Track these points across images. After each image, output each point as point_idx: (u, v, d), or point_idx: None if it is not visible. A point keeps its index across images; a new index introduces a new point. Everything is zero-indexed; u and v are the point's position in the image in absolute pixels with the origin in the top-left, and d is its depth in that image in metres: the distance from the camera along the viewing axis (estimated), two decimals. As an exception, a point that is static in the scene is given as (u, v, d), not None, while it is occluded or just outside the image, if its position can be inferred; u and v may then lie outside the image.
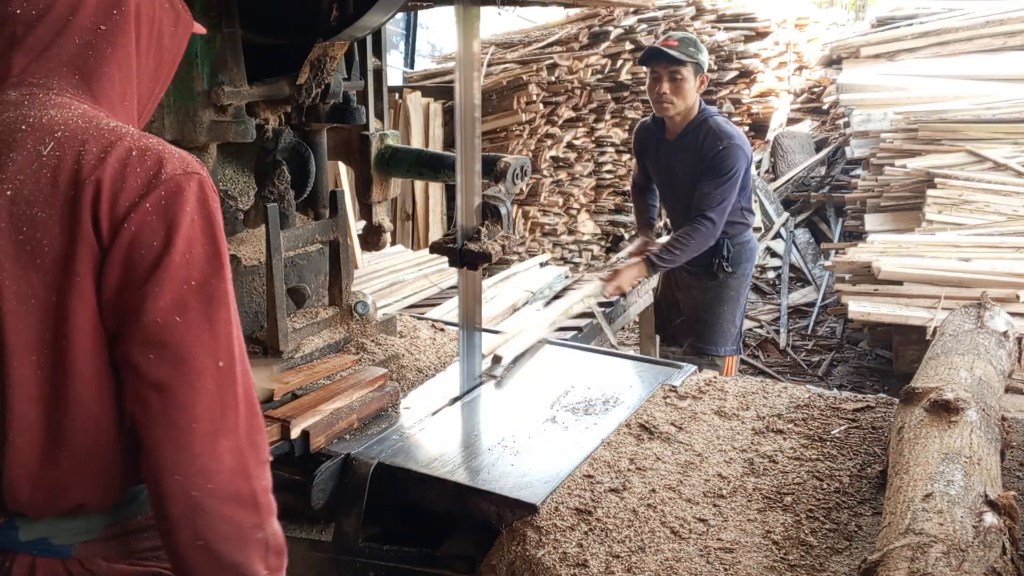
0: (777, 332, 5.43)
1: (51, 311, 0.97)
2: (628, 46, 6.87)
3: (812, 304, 5.77)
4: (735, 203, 3.20)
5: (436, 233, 6.15)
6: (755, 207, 3.55)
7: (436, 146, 6.06)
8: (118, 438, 1.01)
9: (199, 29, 1.24)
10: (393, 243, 5.02)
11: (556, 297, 3.12)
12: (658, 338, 3.63)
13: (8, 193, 0.97)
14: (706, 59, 3.23)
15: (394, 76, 7.16)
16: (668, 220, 3.57)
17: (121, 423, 1.01)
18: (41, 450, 0.99)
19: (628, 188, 7.63)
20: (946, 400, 1.57)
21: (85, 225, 0.96)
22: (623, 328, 4.79)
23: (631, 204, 7.80)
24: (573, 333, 3.55)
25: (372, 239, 2.22)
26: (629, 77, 7.02)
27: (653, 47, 3.16)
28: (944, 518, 1.25)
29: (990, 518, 1.26)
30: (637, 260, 3.24)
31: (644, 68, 3.41)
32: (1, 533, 1.03)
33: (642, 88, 7.26)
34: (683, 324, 3.47)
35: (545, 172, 6.38)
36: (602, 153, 7.10)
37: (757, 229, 6.70)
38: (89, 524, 1.04)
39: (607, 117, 7.02)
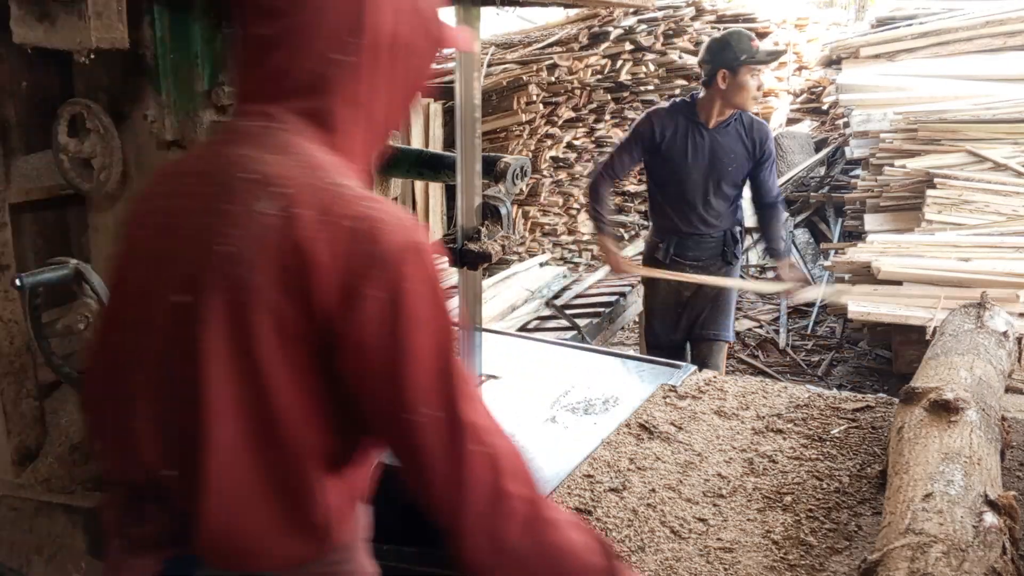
0: (777, 332, 5.43)
1: (255, 378, 0.91)
2: (628, 46, 6.87)
3: (812, 304, 5.77)
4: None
5: (436, 233, 6.15)
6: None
7: (436, 146, 6.07)
8: (321, 505, 0.98)
9: (461, 45, 1.15)
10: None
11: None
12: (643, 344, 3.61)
13: (227, 248, 0.90)
14: None
15: (394, 76, 7.14)
16: (660, 211, 3.38)
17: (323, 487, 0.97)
18: (243, 510, 0.95)
19: (628, 188, 7.64)
20: (946, 400, 1.57)
21: (301, 301, 0.89)
22: (623, 328, 4.79)
23: (631, 205, 7.82)
24: (573, 333, 3.56)
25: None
26: (629, 77, 7.03)
27: (775, 50, 3.42)
28: (944, 518, 1.25)
29: (990, 518, 1.26)
30: (784, 262, 3.41)
31: (701, 67, 3.30)
32: (177, 566, 1.00)
33: (643, 88, 7.27)
34: (695, 321, 3.40)
35: (545, 172, 6.38)
36: (602, 153, 7.10)
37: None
38: None
39: (607, 117, 7.02)
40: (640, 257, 3.56)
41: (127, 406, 0.98)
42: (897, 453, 1.53)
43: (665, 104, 3.49)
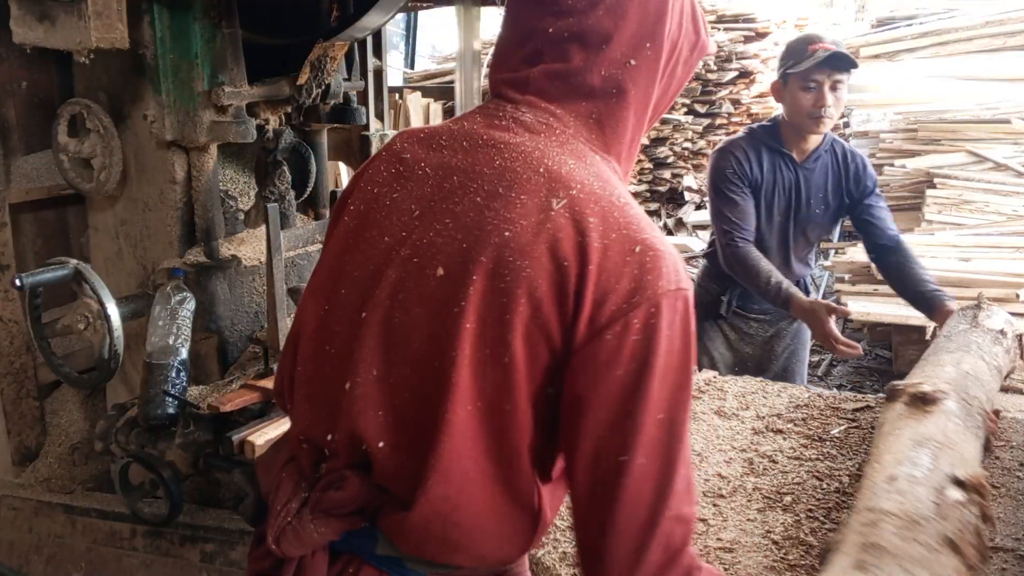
0: (777, 332, 5.43)
1: (503, 368, 0.89)
2: (628, 46, 6.87)
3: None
4: None
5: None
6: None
7: (436, 146, 6.06)
8: (536, 509, 0.96)
9: (711, 51, 1.13)
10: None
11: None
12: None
13: (506, 234, 0.89)
14: None
15: (394, 76, 7.17)
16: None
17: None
18: (465, 499, 0.93)
19: (628, 188, 7.64)
20: (924, 392, 1.56)
21: (565, 303, 0.87)
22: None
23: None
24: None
25: (372, 239, 2.22)
26: (629, 77, 7.03)
27: (834, 53, 2.51)
28: (905, 497, 1.23)
29: (954, 494, 1.24)
30: (943, 310, 2.39)
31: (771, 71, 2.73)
32: (356, 538, 0.98)
33: (642, 88, 7.28)
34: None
35: (545, 172, 6.38)
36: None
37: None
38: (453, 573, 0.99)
39: (607, 117, 7.02)
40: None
41: (349, 366, 0.95)
42: (874, 446, 1.53)
43: (737, 134, 2.82)
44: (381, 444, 0.93)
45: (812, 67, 2.48)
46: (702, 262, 3.01)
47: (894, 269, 2.62)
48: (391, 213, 0.98)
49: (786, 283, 2.50)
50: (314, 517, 0.97)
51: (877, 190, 2.68)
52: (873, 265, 2.78)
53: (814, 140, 2.62)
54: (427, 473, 0.90)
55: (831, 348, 2.36)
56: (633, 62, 0.96)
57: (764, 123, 2.76)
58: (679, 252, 0.94)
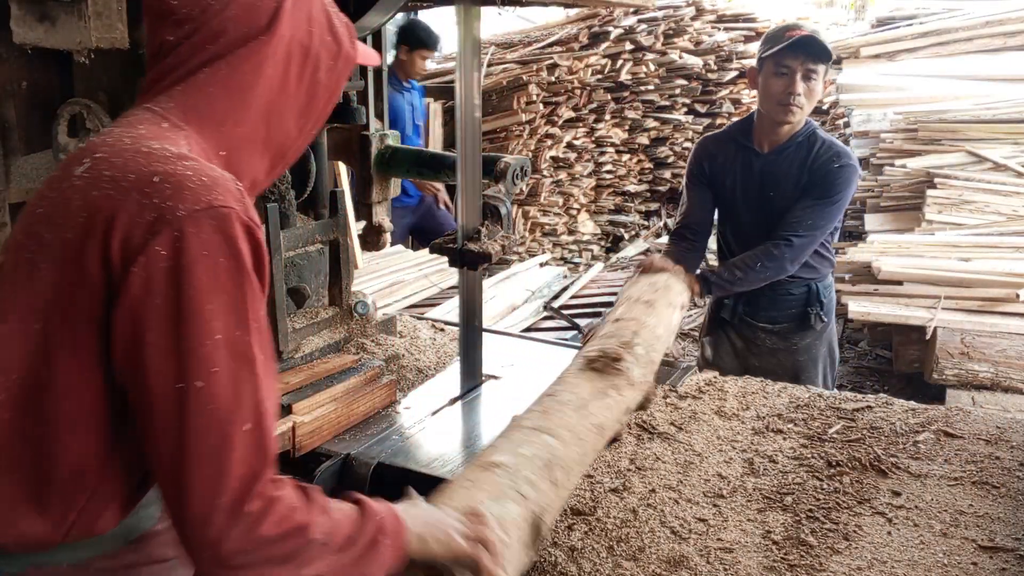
0: (777, 332, 5.43)
1: (38, 342, 0.92)
2: (628, 46, 6.87)
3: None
4: (825, 236, 2.59)
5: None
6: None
7: (436, 146, 6.06)
8: (69, 484, 0.96)
9: (368, 60, 1.16)
10: (393, 243, 5.02)
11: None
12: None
13: (39, 211, 0.95)
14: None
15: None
16: (725, 257, 2.77)
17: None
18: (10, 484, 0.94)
19: (629, 188, 7.64)
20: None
21: (91, 262, 0.90)
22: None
23: (631, 205, 7.80)
24: (573, 333, 3.56)
25: (372, 239, 2.22)
26: (629, 77, 7.03)
27: (804, 36, 2.40)
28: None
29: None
30: (681, 272, 2.28)
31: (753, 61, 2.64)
32: None
33: (643, 88, 7.26)
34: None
35: (545, 172, 6.38)
36: (602, 153, 7.10)
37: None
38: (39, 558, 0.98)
39: (607, 117, 7.02)
40: (655, 277, 2.32)
41: None
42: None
43: (716, 131, 2.82)
44: None
45: (785, 50, 2.40)
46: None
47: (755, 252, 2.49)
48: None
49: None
50: None
51: (824, 193, 2.47)
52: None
53: (785, 131, 2.52)
54: None
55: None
56: (232, 57, 0.99)
57: (742, 118, 2.73)
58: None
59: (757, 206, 2.59)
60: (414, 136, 5.21)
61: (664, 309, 2.00)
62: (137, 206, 0.89)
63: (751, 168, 2.58)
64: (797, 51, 2.40)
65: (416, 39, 5.03)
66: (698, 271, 2.51)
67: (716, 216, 2.74)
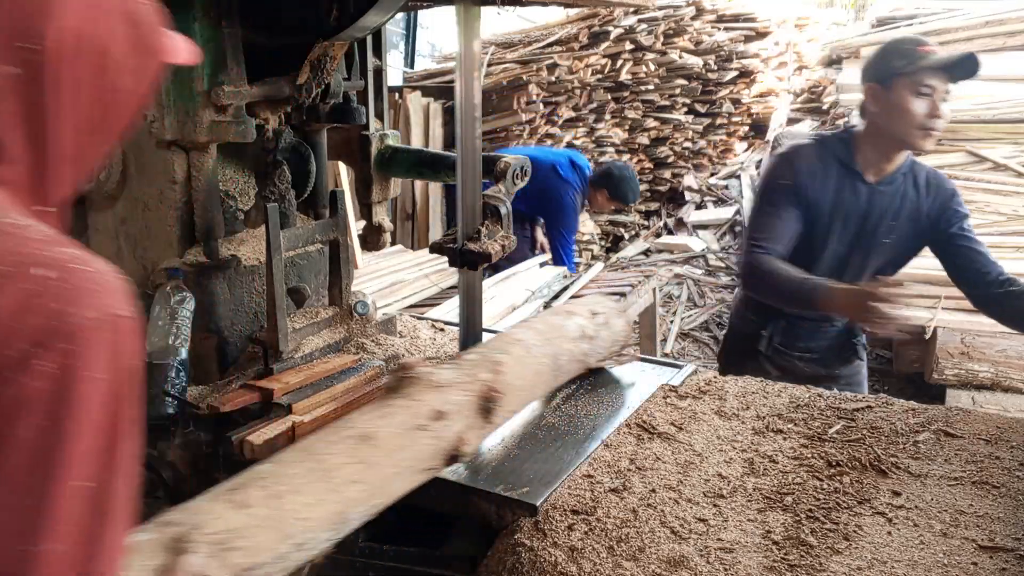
0: (777, 332, 5.42)
1: None
2: (628, 46, 6.87)
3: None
4: None
5: (436, 233, 6.16)
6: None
7: (436, 146, 6.07)
8: None
9: (181, 57, 0.95)
10: (393, 243, 5.02)
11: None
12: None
13: None
14: None
15: (394, 76, 7.17)
16: None
17: None
18: None
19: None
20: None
21: None
22: (623, 328, 4.79)
23: (631, 205, 7.77)
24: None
25: (372, 239, 2.22)
26: (629, 77, 7.03)
27: (967, 54, 2.17)
28: None
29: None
30: None
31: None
32: None
33: (643, 88, 7.26)
34: None
35: (545, 172, 6.38)
36: (602, 153, 7.10)
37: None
38: None
39: (607, 117, 7.03)
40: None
41: None
42: None
43: (802, 141, 2.47)
44: None
45: (930, 70, 2.15)
46: (737, 291, 2.64)
47: (1009, 310, 2.24)
48: None
49: (817, 279, 2.15)
50: None
51: (967, 221, 2.31)
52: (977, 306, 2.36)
53: (898, 159, 2.28)
54: None
55: (887, 333, 2.05)
56: (8, 69, 0.76)
57: (836, 133, 2.42)
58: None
59: (853, 240, 2.33)
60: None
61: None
62: (25, 304, 0.68)
63: (857, 198, 2.30)
64: (943, 71, 2.17)
65: (615, 191, 5.06)
66: None
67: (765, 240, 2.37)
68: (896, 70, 2.20)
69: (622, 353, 2.07)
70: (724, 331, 2.79)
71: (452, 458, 1.44)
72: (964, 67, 2.18)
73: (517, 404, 1.65)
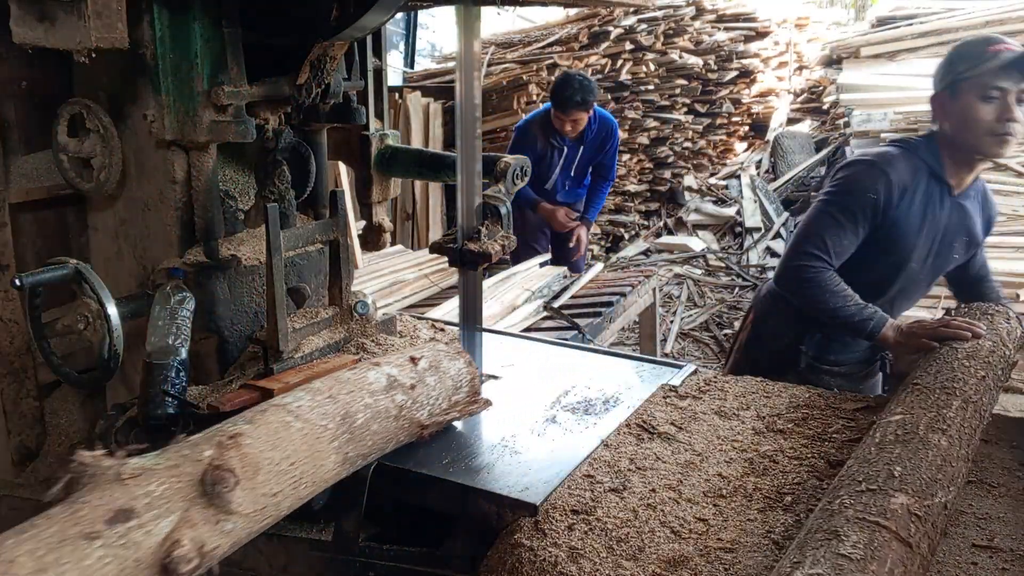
0: (777, 332, 5.42)
1: None
2: (628, 46, 6.87)
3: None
4: None
5: (436, 233, 6.16)
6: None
7: (436, 146, 6.07)
8: None
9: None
10: (393, 243, 5.02)
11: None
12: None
13: None
14: None
15: (394, 76, 7.18)
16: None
17: None
18: None
19: (628, 188, 7.63)
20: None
21: None
22: (623, 328, 4.79)
23: (631, 205, 7.78)
24: (573, 333, 3.56)
25: (372, 239, 2.22)
26: (629, 77, 7.03)
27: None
28: None
29: None
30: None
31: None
32: None
33: (643, 88, 7.26)
34: None
35: (545, 172, 6.38)
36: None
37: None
38: None
39: (607, 117, 7.02)
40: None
41: None
42: None
43: (890, 148, 2.22)
44: None
45: (997, 70, 1.99)
46: (769, 298, 2.43)
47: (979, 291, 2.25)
48: None
49: (875, 311, 2.07)
50: None
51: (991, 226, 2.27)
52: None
53: (977, 169, 2.15)
54: None
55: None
56: None
57: (921, 138, 2.22)
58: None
59: (926, 257, 2.22)
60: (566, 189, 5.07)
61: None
62: None
63: (942, 212, 2.16)
64: (1013, 70, 2.00)
65: (556, 102, 4.68)
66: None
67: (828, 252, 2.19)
68: (960, 75, 2.07)
69: (474, 400, 1.78)
70: (740, 333, 2.61)
71: (166, 569, 1.04)
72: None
73: (284, 482, 1.24)
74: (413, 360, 1.65)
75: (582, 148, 4.87)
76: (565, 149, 4.85)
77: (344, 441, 1.40)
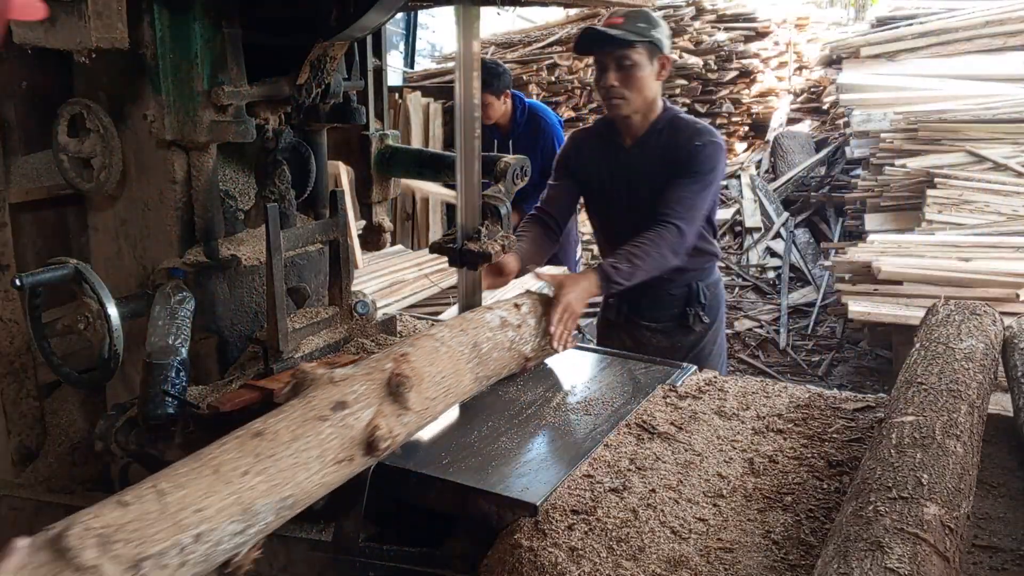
0: (777, 332, 5.43)
1: None
2: (628, 46, 6.87)
3: (812, 304, 5.77)
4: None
5: (436, 233, 6.15)
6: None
7: (436, 146, 6.07)
8: None
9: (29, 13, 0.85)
10: (393, 243, 5.02)
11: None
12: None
13: None
14: (666, 36, 2.39)
15: (394, 76, 7.17)
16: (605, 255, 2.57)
17: None
18: None
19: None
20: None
21: None
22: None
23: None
24: (573, 333, 3.55)
25: (372, 239, 2.22)
26: (629, 77, 7.03)
27: (589, 28, 2.32)
28: None
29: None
30: (584, 271, 2.27)
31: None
32: None
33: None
34: None
35: (545, 172, 6.39)
36: None
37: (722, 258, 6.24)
38: None
39: (607, 117, 7.03)
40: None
41: None
42: None
43: (592, 125, 2.66)
44: None
45: (587, 47, 2.35)
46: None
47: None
48: None
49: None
50: None
51: (692, 172, 2.34)
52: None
53: (639, 123, 2.42)
54: None
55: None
56: None
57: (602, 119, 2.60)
58: None
59: (623, 203, 2.49)
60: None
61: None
62: None
63: (620, 162, 2.48)
64: (600, 43, 2.31)
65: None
66: (598, 265, 2.27)
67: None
68: (584, 50, 2.36)
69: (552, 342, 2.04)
70: None
71: (370, 446, 1.40)
72: (595, 38, 2.30)
73: (438, 390, 1.61)
74: (516, 306, 1.97)
75: (510, 142, 4.47)
76: (495, 142, 4.46)
77: (475, 364, 1.76)
